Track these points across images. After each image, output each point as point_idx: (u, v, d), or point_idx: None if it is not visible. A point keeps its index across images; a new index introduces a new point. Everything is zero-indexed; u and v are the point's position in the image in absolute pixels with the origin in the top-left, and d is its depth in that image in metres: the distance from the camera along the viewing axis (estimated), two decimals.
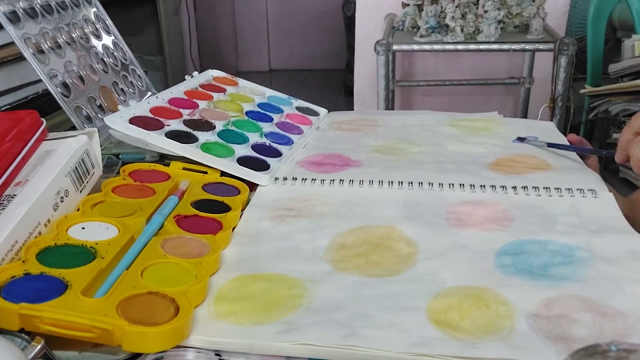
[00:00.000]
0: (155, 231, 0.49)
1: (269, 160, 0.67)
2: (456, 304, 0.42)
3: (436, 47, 1.58)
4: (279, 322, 0.40)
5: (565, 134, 0.75)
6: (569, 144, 0.71)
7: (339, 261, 0.48)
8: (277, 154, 0.69)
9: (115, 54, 0.85)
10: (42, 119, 0.56)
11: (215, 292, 0.44)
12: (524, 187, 0.60)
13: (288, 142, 0.73)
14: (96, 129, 0.59)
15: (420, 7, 1.67)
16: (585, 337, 0.38)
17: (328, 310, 0.42)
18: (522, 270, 0.46)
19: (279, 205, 0.59)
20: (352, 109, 2.11)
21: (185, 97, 0.77)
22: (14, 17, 0.68)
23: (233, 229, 0.54)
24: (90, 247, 0.45)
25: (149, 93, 0.87)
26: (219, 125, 0.71)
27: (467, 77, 2.03)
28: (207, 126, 0.70)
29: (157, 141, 0.64)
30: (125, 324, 0.37)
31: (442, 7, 1.60)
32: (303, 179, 0.64)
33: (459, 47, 1.55)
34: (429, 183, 0.61)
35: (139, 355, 0.38)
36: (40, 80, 0.68)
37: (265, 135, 0.73)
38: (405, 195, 0.60)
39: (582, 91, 1.39)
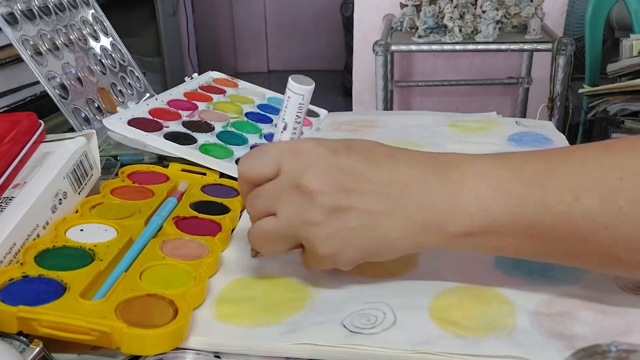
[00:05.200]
0: (154, 233, 0.49)
1: None
2: (458, 303, 0.42)
3: (434, 47, 1.58)
4: (282, 323, 0.40)
5: (564, 134, 0.75)
6: None
7: None
8: None
9: (113, 55, 0.85)
10: (40, 121, 0.56)
11: (216, 294, 0.44)
12: None
13: None
14: (94, 131, 0.58)
15: (418, 8, 1.68)
16: (587, 334, 0.38)
17: (330, 311, 0.41)
18: (523, 270, 0.46)
19: None
20: (351, 110, 2.11)
21: (185, 99, 0.77)
22: (11, 19, 0.68)
23: (232, 230, 0.53)
24: (89, 249, 0.45)
25: (148, 94, 0.87)
26: (218, 127, 0.71)
27: (465, 77, 2.03)
28: (206, 127, 0.70)
29: (156, 143, 0.64)
30: (124, 326, 0.36)
31: (440, 7, 1.60)
32: None
33: (457, 47, 1.55)
34: None
35: (137, 357, 0.38)
36: (38, 82, 0.68)
37: (264, 137, 0.72)
38: None
39: (580, 91, 1.39)
